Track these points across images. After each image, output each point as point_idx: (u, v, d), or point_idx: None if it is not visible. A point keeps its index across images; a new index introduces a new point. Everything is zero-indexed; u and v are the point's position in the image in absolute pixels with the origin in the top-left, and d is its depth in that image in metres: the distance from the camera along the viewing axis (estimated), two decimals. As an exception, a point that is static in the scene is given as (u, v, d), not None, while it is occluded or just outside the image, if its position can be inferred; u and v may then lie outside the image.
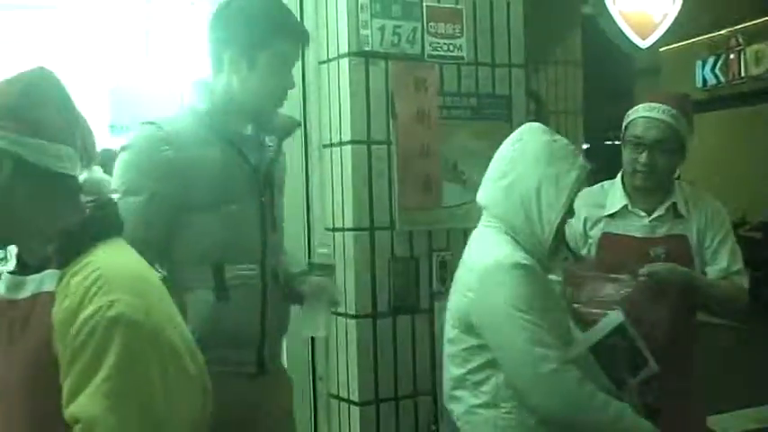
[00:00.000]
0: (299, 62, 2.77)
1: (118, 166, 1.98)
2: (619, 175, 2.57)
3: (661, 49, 8.90)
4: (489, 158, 2.78)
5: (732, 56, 9.57)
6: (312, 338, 2.79)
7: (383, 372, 2.67)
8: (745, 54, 9.40)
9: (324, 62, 2.76)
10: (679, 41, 9.55)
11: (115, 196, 1.91)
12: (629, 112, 2.51)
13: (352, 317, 2.65)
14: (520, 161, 2.00)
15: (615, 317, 2.02)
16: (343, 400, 2.72)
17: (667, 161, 2.44)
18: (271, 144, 2.08)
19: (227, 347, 1.93)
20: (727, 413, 4.60)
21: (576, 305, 2.26)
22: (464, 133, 2.82)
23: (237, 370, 1.96)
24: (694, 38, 9.71)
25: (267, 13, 2.05)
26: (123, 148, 1.99)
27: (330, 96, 2.74)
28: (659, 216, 2.47)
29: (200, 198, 1.95)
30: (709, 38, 9.85)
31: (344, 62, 2.65)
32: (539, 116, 4.21)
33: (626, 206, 2.49)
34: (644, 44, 4.50)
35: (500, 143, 2.79)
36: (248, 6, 2.05)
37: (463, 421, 2.00)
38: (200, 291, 1.95)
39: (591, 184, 2.57)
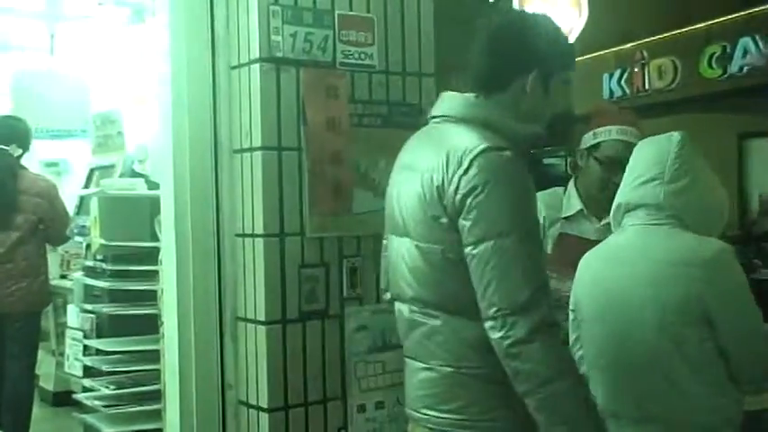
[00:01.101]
0: (210, 67, 2.77)
1: (494, 209, 1.76)
2: (572, 182, 2.85)
3: (570, 62, 9.19)
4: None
5: (636, 69, 9.89)
6: (221, 345, 2.77)
7: (293, 378, 2.66)
8: (648, 68, 9.72)
9: (235, 67, 2.75)
10: (587, 54, 9.85)
11: (489, 243, 1.75)
12: (600, 130, 2.74)
13: (262, 323, 2.64)
14: (691, 165, 2.14)
15: None
16: (252, 407, 2.71)
17: None
18: None
19: None
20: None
21: None
22: (375, 141, 2.84)
23: None
24: (602, 51, 10.01)
25: (564, 38, 2.03)
26: (488, 183, 1.77)
27: (241, 102, 2.73)
28: (608, 222, 2.66)
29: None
30: (615, 51, 10.16)
31: (255, 68, 2.65)
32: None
33: (581, 210, 2.78)
34: (551, 56, 4.63)
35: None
36: (548, 29, 2.00)
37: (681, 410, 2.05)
38: None
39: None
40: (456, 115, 1.96)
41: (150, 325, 3.38)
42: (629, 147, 2.61)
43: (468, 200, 1.78)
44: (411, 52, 2.93)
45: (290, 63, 2.67)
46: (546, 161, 10.06)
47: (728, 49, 8.57)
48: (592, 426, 1.81)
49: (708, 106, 8.99)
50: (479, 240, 1.77)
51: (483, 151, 1.79)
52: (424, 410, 1.95)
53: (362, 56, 2.81)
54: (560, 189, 2.89)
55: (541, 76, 1.95)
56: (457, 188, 1.79)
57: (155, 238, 3.33)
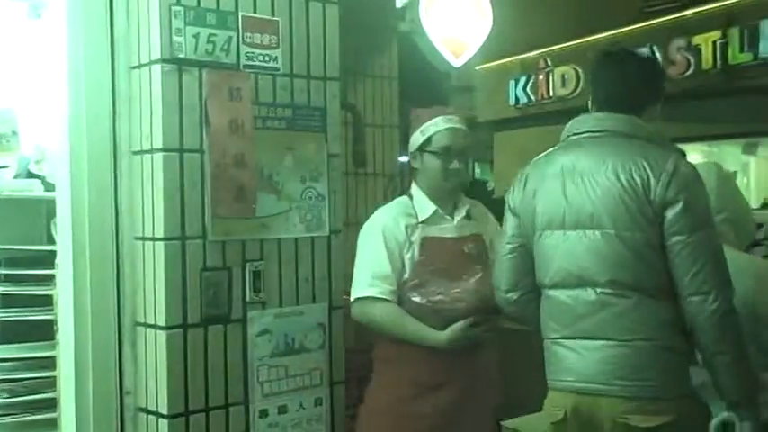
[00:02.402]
0: (109, 66, 2.70)
1: (700, 205, 2.21)
2: (416, 187, 2.86)
3: (477, 68, 9.35)
4: (304, 169, 2.84)
5: (541, 77, 10.12)
6: (119, 350, 2.71)
7: (193, 383, 2.63)
8: (552, 75, 9.97)
9: (135, 67, 2.69)
10: (494, 61, 10.02)
11: (701, 232, 2.18)
12: (428, 125, 2.81)
13: (162, 328, 2.60)
14: (730, 196, 2.54)
15: None
16: (151, 413, 2.66)
17: (467, 164, 2.86)
18: None
19: None
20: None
21: (429, 301, 2.66)
22: (279, 144, 2.83)
23: None
24: (508, 58, 10.21)
25: None
26: (693, 184, 2.20)
27: (141, 102, 2.67)
28: (462, 218, 2.85)
29: None
30: (520, 59, 10.38)
31: (156, 68, 2.60)
32: (356, 129, 4.29)
33: (436, 211, 2.81)
34: (457, 63, 4.71)
35: (315, 154, 2.87)
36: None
37: None
38: None
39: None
40: (622, 131, 2.30)
41: (45, 331, 3.28)
42: (458, 132, 2.81)
43: (681, 196, 2.18)
44: (316, 56, 2.93)
45: (193, 64, 2.64)
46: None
47: (628, 59, 8.85)
48: (754, 381, 2.23)
49: (608, 113, 9.27)
50: (694, 230, 2.17)
51: (680, 159, 2.23)
52: (617, 381, 2.21)
53: (267, 58, 2.80)
54: (403, 198, 2.89)
55: (658, 107, 2.39)
56: (667, 186, 2.18)
57: (51, 240, 3.22)
